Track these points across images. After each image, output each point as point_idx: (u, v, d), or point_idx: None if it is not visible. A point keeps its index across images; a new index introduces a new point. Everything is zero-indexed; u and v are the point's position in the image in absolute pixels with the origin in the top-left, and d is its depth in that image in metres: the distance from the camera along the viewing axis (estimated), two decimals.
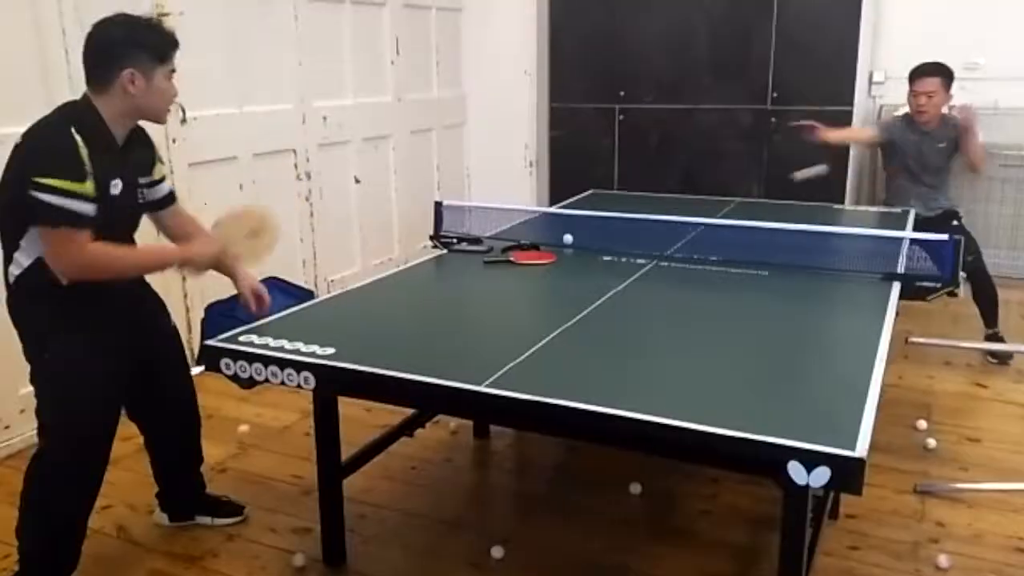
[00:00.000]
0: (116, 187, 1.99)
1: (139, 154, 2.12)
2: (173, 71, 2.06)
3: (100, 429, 2.05)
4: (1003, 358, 3.64)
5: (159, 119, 2.11)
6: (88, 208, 1.90)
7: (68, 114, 1.97)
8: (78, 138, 1.88)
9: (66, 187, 1.85)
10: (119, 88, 1.97)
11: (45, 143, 1.90)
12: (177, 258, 2.15)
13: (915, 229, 3.59)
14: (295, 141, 4.18)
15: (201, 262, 2.16)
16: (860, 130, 4.39)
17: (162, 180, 2.22)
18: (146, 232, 2.25)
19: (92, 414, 2.02)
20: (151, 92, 2.00)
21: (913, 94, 3.70)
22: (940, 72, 3.67)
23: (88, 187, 1.89)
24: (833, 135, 3.98)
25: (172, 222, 2.28)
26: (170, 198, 2.25)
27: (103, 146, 1.96)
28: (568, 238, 2.91)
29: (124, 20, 2.01)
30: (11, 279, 2.00)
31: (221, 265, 2.22)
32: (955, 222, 3.86)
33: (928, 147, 3.83)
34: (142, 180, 2.13)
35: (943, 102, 3.68)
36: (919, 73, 3.69)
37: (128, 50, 1.96)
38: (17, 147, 1.91)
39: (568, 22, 5.60)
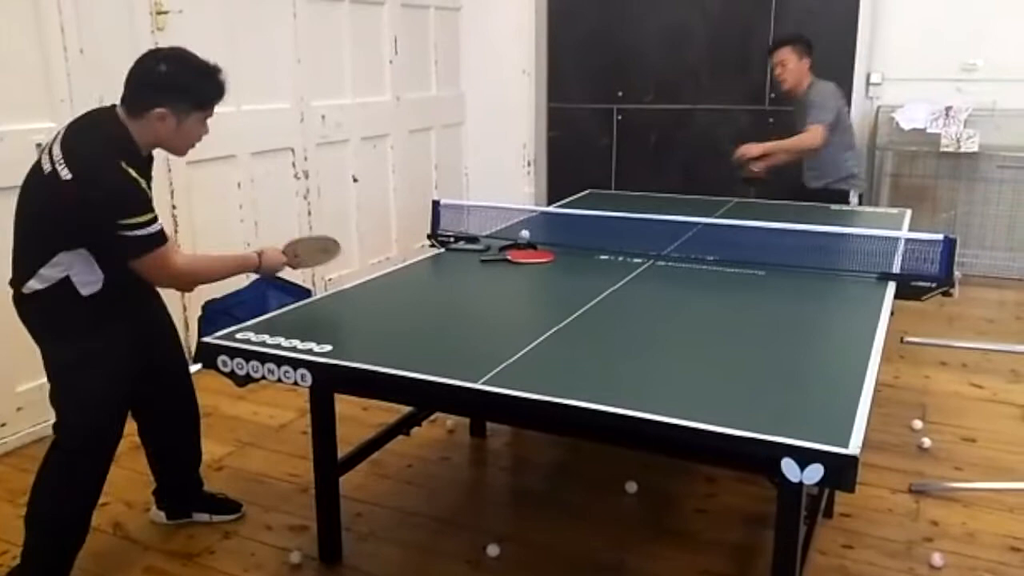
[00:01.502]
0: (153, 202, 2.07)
1: (151, 158, 2.17)
2: (209, 116, 2.11)
3: (114, 427, 2.10)
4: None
5: (179, 155, 2.18)
6: (160, 225, 2.00)
7: (115, 146, 1.96)
8: (132, 172, 1.94)
9: (143, 220, 1.95)
10: (147, 121, 2.00)
11: (116, 187, 1.92)
12: (254, 264, 2.25)
13: (802, 198, 3.84)
14: (293, 140, 4.19)
15: (270, 268, 2.27)
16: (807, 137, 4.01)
17: None
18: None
19: (109, 412, 2.09)
20: (178, 134, 2.06)
21: (772, 67, 4.01)
22: (789, 41, 3.96)
23: (154, 210, 2.00)
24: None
25: None
26: None
27: (142, 169, 2.02)
28: (524, 233, 2.92)
29: (177, 58, 2.05)
30: (28, 290, 2.02)
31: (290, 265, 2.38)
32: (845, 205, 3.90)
33: (798, 116, 4.01)
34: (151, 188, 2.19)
35: (800, 67, 3.94)
36: (772, 47, 4.01)
37: (168, 91, 2.00)
38: (72, 183, 1.89)
39: (566, 22, 5.61)
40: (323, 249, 2.43)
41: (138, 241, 1.96)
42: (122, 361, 2.09)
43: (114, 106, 2.03)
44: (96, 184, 1.91)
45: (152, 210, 1.98)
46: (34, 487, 2.07)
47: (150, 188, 2.07)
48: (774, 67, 4.00)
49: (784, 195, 3.93)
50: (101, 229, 1.94)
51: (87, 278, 2.01)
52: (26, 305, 2.04)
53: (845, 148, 4.05)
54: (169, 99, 2.00)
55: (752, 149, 4.00)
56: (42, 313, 2.04)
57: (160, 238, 1.99)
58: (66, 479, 2.06)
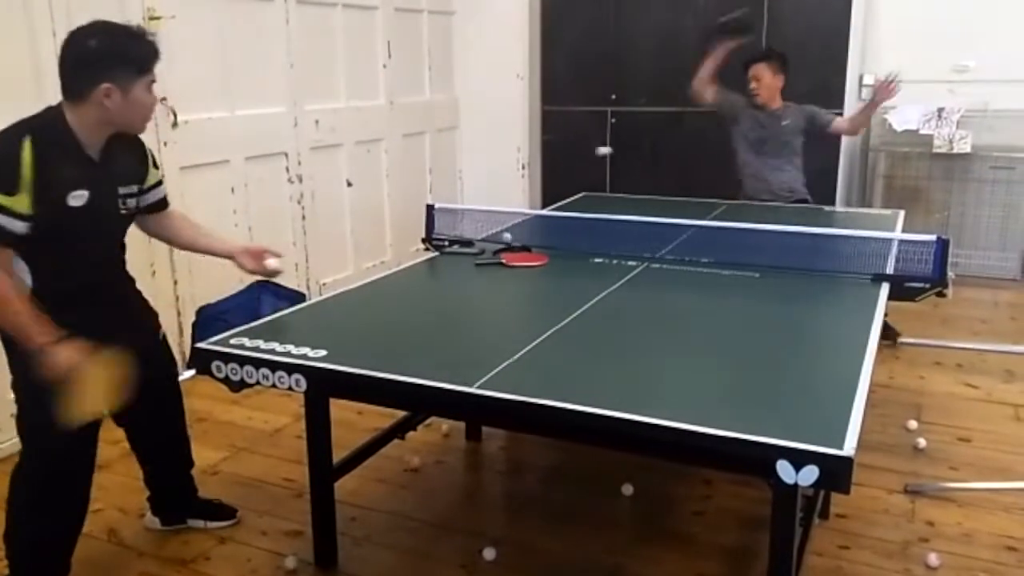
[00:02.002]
0: (78, 198, 1.92)
1: (123, 163, 2.06)
2: (153, 81, 1.98)
3: (75, 439, 1.97)
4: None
5: (135, 131, 2.05)
6: (12, 224, 1.82)
7: (30, 122, 1.90)
8: (27, 149, 1.81)
9: None
10: (94, 101, 1.90)
11: None
12: (32, 343, 1.85)
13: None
14: (287, 144, 4.18)
15: (45, 366, 1.86)
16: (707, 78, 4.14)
17: (156, 186, 2.20)
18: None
19: (70, 433, 1.93)
20: (128, 106, 1.93)
21: (747, 80, 4.06)
22: (765, 57, 4.05)
23: (17, 202, 1.82)
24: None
25: (158, 226, 2.28)
26: (159, 204, 2.24)
27: (66, 157, 1.90)
28: (507, 236, 2.93)
29: (103, 29, 1.93)
30: None
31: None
32: None
33: (766, 123, 4.06)
34: (125, 190, 2.07)
35: (774, 83, 4.03)
36: (748, 61, 4.06)
37: (106, 63, 1.89)
38: None
39: (560, 26, 5.61)
40: (99, 392, 1.90)
41: None
42: None
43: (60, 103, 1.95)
44: None
45: (9, 198, 1.79)
46: (7, 505, 2.02)
47: (78, 184, 1.91)
48: (749, 80, 4.05)
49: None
50: None
51: (19, 269, 1.90)
52: None
53: (801, 162, 4.12)
54: (110, 72, 1.88)
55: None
56: None
57: None
58: (34, 500, 2.00)
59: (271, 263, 2.26)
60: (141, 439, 2.36)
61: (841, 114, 4.93)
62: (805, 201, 4.06)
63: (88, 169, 1.96)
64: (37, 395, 1.96)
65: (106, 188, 2.01)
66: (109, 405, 1.93)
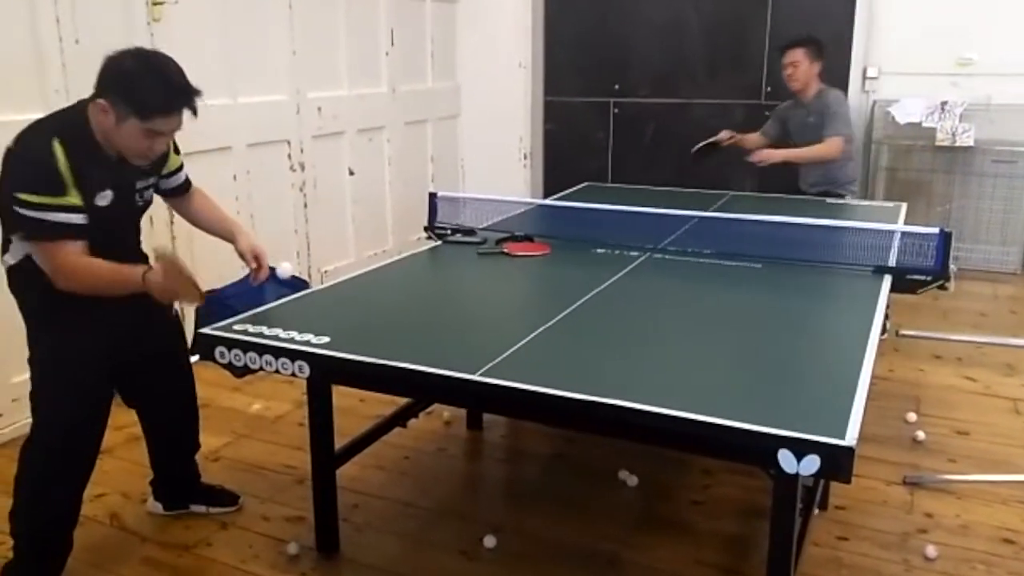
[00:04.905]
0: (104, 199, 1.96)
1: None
2: (157, 133, 1.93)
3: (87, 419, 2.04)
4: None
5: (129, 158, 1.99)
6: (73, 218, 1.88)
7: (58, 123, 1.92)
8: (59, 150, 1.84)
9: (44, 201, 1.84)
10: (94, 108, 1.91)
11: (25, 156, 1.86)
12: (137, 283, 1.96)
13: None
14: (289, 132, 4.17)
15: (158, 293, 1.98)
16: (751, 138, 4.29)
17: (177, 171, 2.23)
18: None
19: (80, 404, 2.02)
20: (117, 134, 1.91)
21: (782, 67, 4.03)
22: (803, 43, 3.99)
23: (69, 199, 1.87)
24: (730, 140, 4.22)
25: (186, 208, 2.32)
26: (182, 188, 2.27)
27: (90, 158, 1.91)
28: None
29: (144, 60, 1.92)
30: (5, 264, 2.02)
31: (222, 232, 2.30)
32: None
33: (800, 119, 4.06)
34: (141, 184, 2.10)
35: (811, 70, 3.98)
36: (785, 46, 4.04)
37: (112, 87, 1.88)
38: (6, 152, 1.89)
39: (563, 15, 5.60)
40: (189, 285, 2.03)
41: (29, 223, 1.86)
42: (97, 354, 2.03)
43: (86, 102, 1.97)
44: (14, 153, 1.86)
45: (62, 197, 1.84)
46: (15, 483, 2.05)
47: (116, 186, 1.97)
48: (784, 67, 4.00)
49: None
50: (6, 200, 1.85)
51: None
52: (9, 278, 2.03)
53: (848, 158, 4.07)
54: (111, 94, 1.88)
55: (773, 155, 3.98)
56: (20, 289, 2.02)
57: (55, 230, 1.86)
58: (43, 476, 2.03)
59: (286, 268, 2.29)
60: (150, 417, 2.38)
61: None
62: (837, 198, 3.95)
63: (110, 169, 1.98)
64: (45, 370, 2.01)
65: (125, 185, 2.04)
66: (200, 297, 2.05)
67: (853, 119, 5.03)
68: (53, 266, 1.91)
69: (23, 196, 1.83)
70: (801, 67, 3.97)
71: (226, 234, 2.31)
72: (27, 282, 2.00)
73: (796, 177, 4.18)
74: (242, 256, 2.26)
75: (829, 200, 3.83)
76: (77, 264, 1.91)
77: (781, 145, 4.13)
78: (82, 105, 1.96)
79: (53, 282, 1.93)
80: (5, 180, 1.87)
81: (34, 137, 1.89)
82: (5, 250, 2.00)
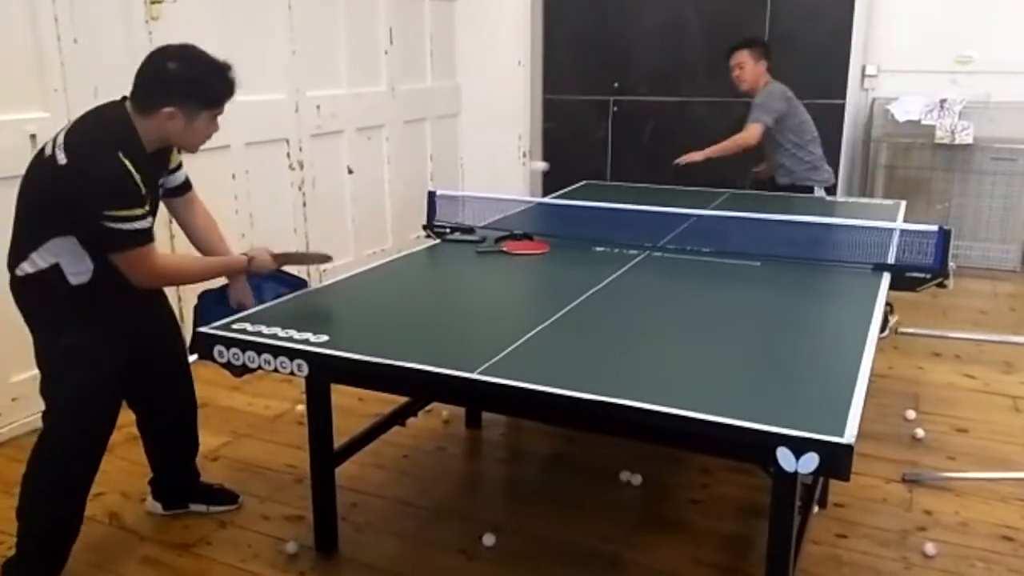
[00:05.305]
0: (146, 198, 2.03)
1: (163, 155, 2.13)
2: (219, 113, 2.07)
3: (105, 417, 2.09)
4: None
5: (190, 151, 2.14)
6: (148, 223, 1.99)
7: (114, 137, 1.95)
8: (128, 164, 1.91)
9: (132, 214, 1.92)
10: (156, 119, 1.98)
11: (102, 174, 1.90)
12: (243, 267, 2.20)
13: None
14: (288, 131, 4.17)
15: (259, 269, 2.22)
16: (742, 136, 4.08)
17: (178, 168, 2.24)
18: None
19: (98, 404, 2.06)
20: (188, 132, 2.02)
21: (729, 69, 4.10)
22: (747, 45, 4.07)
23: (146, 207, 1.97)
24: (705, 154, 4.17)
25: (185, 212, 2.30)
26: (184, 187, 2.27)
27: (143, 164, 1.98)
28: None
29: (188, 57, 1.99)
30: (21, 272, 2.01)
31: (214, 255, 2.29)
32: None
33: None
34: (161, 179, 2.16)
35: (756, 69, 4.04)
36: (729, 49, 4.10)
37: (179, 90, 1.97)
38: (69, 168, 1.89)
39: (562, 13, 5.60)
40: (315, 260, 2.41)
41: (121, 235, 1.93)
42: (112, 354, 2.06)
43: (124, 99, 2.01)
44: (88, 171, 1.89)
45: (142, 206, 1.95)
46: (24, 480, 2.06)
47: (152, 185, 2.04)
48: (731, 69, 4.07)
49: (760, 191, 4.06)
50: (88, 217, 1.91)
51: (77, 267, 1.99)
52: (19, 288, 2.03)
53: (799, 147, 4.03)
54: (179, 98, 1.96)
55: (695, 157, 4.14)
56: (32, 298, 2.03)
57: (144, 236, 1.96)
58: (54, 474, 2.05)
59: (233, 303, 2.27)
60: (149, 416, 2.38)
61: (843, 106, 4.96)
62: (807, 189, 4.01)
63: (148, 168, 2.02)
64: (60, 370, 2.03)
65: (153, 181, 2.08)
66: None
67: (852, 116, 5.05)
68: (142, 271, 2.01)
69: (114, 212, 1.90)
70: (747, 68, 4.03)
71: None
72: (45, 290, 2.01)
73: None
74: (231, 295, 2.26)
75: (827, 198, 3.83)
76: (168, 263, 2.12)
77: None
78: (123, 115, 1.99)
79: (140, 284, 2.03)
80: (85, 197, 1.90)
81: (102, 153, 1.91)
82: (22, 258, 2.00)
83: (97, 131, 1.97)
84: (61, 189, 1.91)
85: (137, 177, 1.93)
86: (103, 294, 2.02)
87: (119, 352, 2.09)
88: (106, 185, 1.90)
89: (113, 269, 2.00)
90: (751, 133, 3.97)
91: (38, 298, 2.03)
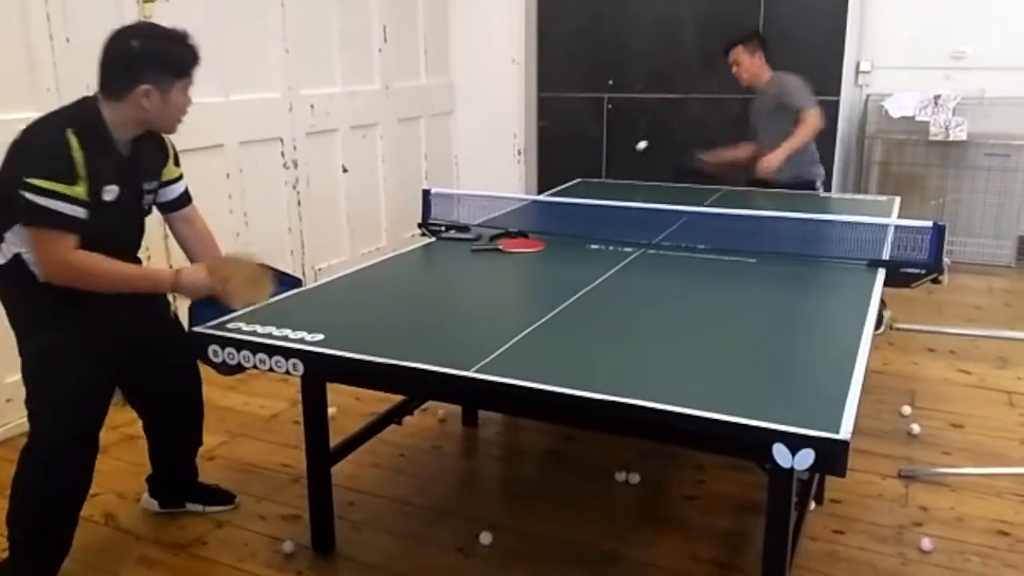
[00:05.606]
0: (110, 193, 1.97)
1: (148, 159, 2.10)
2: (190, 84, 2.04)
3: (82, 423, 2.01)
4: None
5: (167, 131, 2.11)
6: (76, 211, 1.89)
7: (70, 115, 1.94)
8: (74, 140, 1.87)
9: (54, 188, 1.85)
10: (133, 101, 1.95)
11: (38, 142, 1.88)
12: (168, 282, 2.07)
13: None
14: (282, 129, 4.16)
15: (191, 290, 2.08)
16: (741, 151, 4.20)
17: (175, 181, 2.22)
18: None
19: (74, 409, 1.99)
20: (165, 107, 1.99)
21: (730, 66, 4.10)
22: (740, 41, 4.07)
23: (78, 190, 1.88)
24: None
25: (182, 227, 2.27)
26: (180, 201, 2.25)
27: (102, 152, 1.93)
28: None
29: (146, 31, 2.00)
30: None
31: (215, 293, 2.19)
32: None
33: (763, 107, 4.08)
34: (147, 185, 2.11)
35: (753, 63, 4.05)
36: (724, 48, 4.10)
37: (148, 65, 1.94)
38: (13, 143, 1.89)
39: (556, 11, 5.59)
40: (253, 281, 2.17)
41: (37, 209, 1.84)
42: (90, 355, 2.00)
43: (96, 95, 1.99)
44: (27, 140, 1.87)
45: (70, 185, 1.85)
46: (12, 484, 2.03)
47: (124, 185, 1.98)
48: (730, 67, 4.08)
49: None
50: (12, 184, 1.84)
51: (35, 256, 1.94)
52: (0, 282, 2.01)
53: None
54: (150, 73, 1.93)
55: (775, 159, 3.87)
56: (8, 290, 2.01)
57: (63, 220, 1.86)
58: (40, 478, 2.01)
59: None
60: (153, 418, 2.37)
61: (837, 103, 4.95)
62: (809, 185, 3.99)
63: (119, 165, 1.99)
64: (36, 372, 2.00)
65: (132, 184, 2.05)
66: (263, 295, 2.15)
67: (846, 112, 5.05)
68: (47, 256, 1.91)
69: (34, 181, 1.83)
70: (743, 63, 4.04)
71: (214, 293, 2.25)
72: (16, 283, 1.98)
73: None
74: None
75: (823, 194, 3.83)
76: (81, 259, 1.92)
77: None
78: (90, 101, 1.97)
79: (40, 273, 1.93)
80: (13, 167, 1.87)
81: (47, 127, 1.90)
82: None
83: (56, 112, 1.95)
84: (4, 167, 1.89)
85: (79, 156, 1.86)
86: (73, 292, 1.96)
87: (102, 352, 2.03)
88: (36, 151, 1.86)
89: None
90: (816, 116, 3.89)
91: (13, 290, 2.01)
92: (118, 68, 1.95)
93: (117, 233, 2.05)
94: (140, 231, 2.18)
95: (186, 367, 2.32)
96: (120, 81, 1.94)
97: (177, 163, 2.23)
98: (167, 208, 2.24)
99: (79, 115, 1.94)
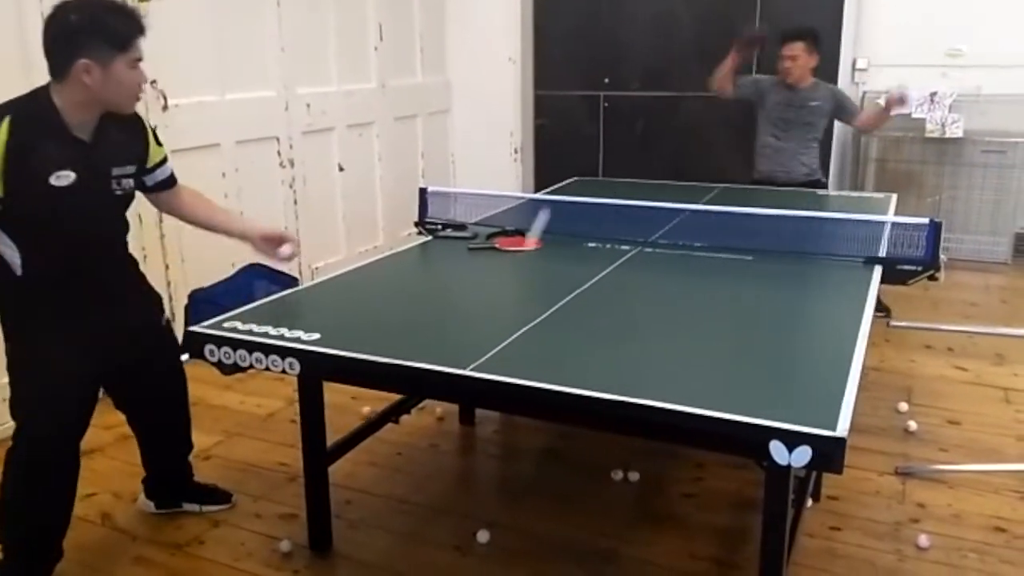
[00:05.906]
0: (63, 179, 1.90)
1: (117, 143, 2.03)
2: (139, 59, 1.94)
3: (63, 423, 2.00)
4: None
5: (123, 110, 2.01)
6: None
7: (17, 102, 1.89)
8: (3, 129, 1.80)
9: None
10: (75, 79, 1.87)
11: None
12: None
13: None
14: (278, 128, 4.16)
15: None
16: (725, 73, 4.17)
17: (162, 163, 2.19)
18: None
19: (54, 409, 1.98)
20: (109, 83, 1.89)
21: (780, 57, 4.03)
22: (804, 37, 4.00)
23: None
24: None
25: (169, 204, 2.27)
26: (167, 182, 2.22)
27: (48, 138, 1.88)
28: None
29: (83, 4, 1.89)
30: None
31: (224, 224, 2.26)
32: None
33: (790, 102, 4.06)
34: (119, 171, 2.04)
35: (808, 63, 4.01)
36: (785, 38, 4.03)
37: (84, 39, 1.85)
38: None
39: (552, 9, 5.59)
40: None
41: None
42: (77, 357, 1.98)
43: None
44: None
45: None
46: (0, 488, 2.02)
47: (62, 164, 1.90)
48: (783, 58, 4.00)
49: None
50: None
51: (9, 251, 1.92)
52: None
53: (818, 142, 4.12)
54: (87, 48, 1.84)
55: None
56: None
57: None
58: (24, 481, 2.00)
59: (284, 251, 2.24)
60: (140, 422, 2.36)
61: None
62: (819, 183, 4.07)
63: (75, 150, 1.93)
64: (26, 380, 1.99)
65: (96, 169, 1.99)
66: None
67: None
68: None
69: None
70: (800, 60, 3.98)
71: (227, 225, 2.28)
72: None
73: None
74: (267, 240, 2.23)
75: (819, 192, 3.84)
76: None
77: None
78: (43, 88, 1.92)
79: None
80: None
81: None
82: None
83: (5, 101, 1.89)
84: None
85: (8, 143, 1.81)
86: (58, 290, 1.95)
87: (85, 352, 2.00)
88: None
89: (47, 255, 1.93)
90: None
91: None
92: (57, 45, 1.87)
93: (80, 218, 1.97)
94: (118, 218, 2.12)
95: (172, 370, 2.31)
96: (59, 58, 1.87)
97: (159, 142, 2.18)
98: (154, 190, 2.20)
99: (27, 102, 1.89)
